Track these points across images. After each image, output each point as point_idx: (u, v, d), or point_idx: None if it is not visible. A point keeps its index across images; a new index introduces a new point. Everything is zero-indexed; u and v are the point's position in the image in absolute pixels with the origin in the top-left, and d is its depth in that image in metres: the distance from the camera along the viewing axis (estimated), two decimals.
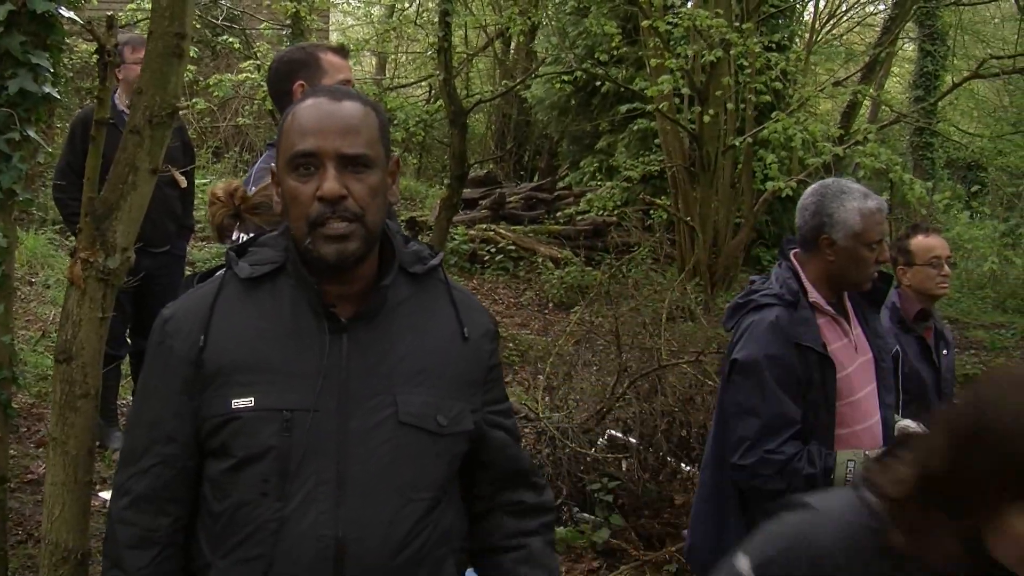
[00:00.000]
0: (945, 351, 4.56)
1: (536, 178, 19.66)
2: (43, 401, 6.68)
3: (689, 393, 6.09)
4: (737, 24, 10.37)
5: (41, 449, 5.92)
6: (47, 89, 3.63)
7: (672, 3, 12.36)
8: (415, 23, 15.57)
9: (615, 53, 12.37)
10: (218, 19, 14.46)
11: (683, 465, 5.94)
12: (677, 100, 12.28)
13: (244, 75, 11.33)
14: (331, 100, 1.99)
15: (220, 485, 1.98)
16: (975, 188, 18.32)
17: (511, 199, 15.52)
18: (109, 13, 3.19)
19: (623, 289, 8.18)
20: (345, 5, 21.30)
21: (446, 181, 10.76)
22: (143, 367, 2.13)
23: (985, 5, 17.92)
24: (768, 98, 10.80)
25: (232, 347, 1.98)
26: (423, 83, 19.11)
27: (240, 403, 1.94)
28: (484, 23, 16.04)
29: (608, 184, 13.16)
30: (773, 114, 10.07)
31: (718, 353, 6.11)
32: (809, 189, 3.37)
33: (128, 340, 6.26)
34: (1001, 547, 1.47)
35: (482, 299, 2.28)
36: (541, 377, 6.97)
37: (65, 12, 3.70)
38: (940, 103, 18.45)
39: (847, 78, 15.69)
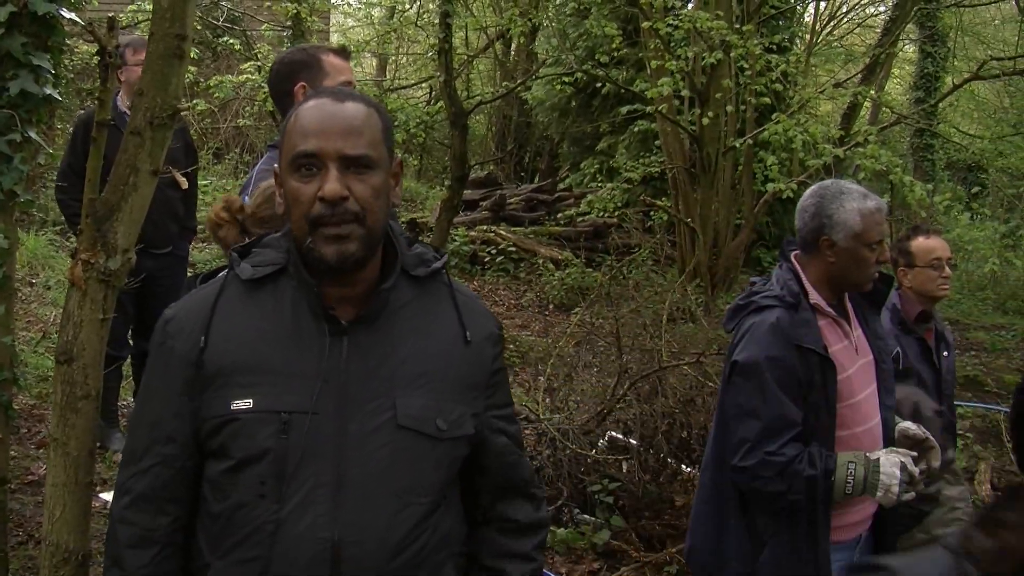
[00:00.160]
0: (946, 352, 4.56)
1: (537, 179, 19.66)
2: (44, 402, 6.68)
3: (690, 394, 6.09)
4: (737, 26, 10.37)
5: (42, 450, 5.92)
6: (48, 90, 3.64)
7: (673, 5, 12.36)
8: (416, 24, 15.57)
9: (615, 55, 12.39)
10: (219, 20, 14.46)
11: (683, 466, 5.94)
12: (677, 102, 12.29)
13: (245, 76, 11.34)
14: (334, 101, 1.98)
15: (219, 486, 1.99)
16: (975, 189, 18.28)
17: (512, 200, 15.53)
18: (110, 14, 3.19)
19: (624, 290, 8.18)
20: (346, 6, 21.35)
21: (447, 182, 10.76)
22: (146, 367, 2.13)
23: (985, 7, 17.91)
24: (768, 100, 10.80)
25: (232, 348, 1.98)
26: (424, 84, 19.12)
27: (239, 404, 1.94)
28: (485, 25, 16.06)
29: (608, 185, 13.19)
30: (773, 116, 10.07)
31: (719, 354, 6.10)
32: (808, 191, 3.37)
33: (130, 341, 6.26)
34: None
35: (483, 300, 2.29)
36: (542, 378, 6.97)
37: (66, 13, 3.70)
38: (941, 104, 18.46)
39: (847, 79, 15.67)
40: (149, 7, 9.75)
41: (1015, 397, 3.84)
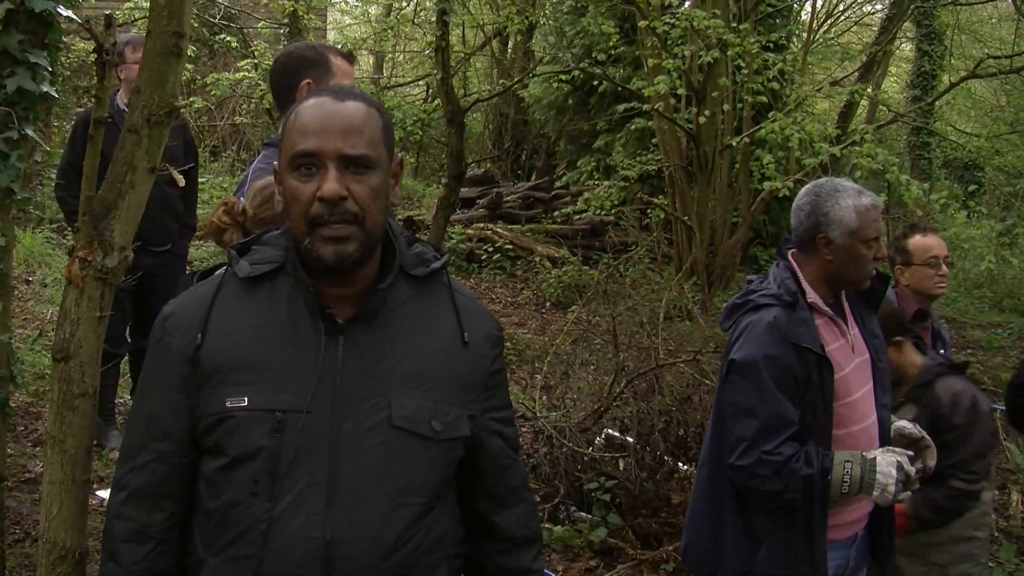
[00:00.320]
0: (942, 350, 4.56)
1: (533, 177, 19.68)
2: (40, 400, 6.68)
3: (686, 392, 6.09)
4: (734, 24, 10.37)
5: (38, 448, 5.92)
6: (45, 88, 3.63)
7: (670, 3, 12.36)
8: (413, 22, 15.55)
9: (612, 52, 12.41)
10: (215, 18, 14.46)
11: (680, 464, 5.95)
12: (674, 100, 12.29)
13: (241, 74, 11.33)
14: (334, 100, 1.98)
15: (214, 483, 1.99)
16: (972, 188, 18.34)
17: (508, 198, 15.53)
18: (107, 12, 3.19)
19: (620, 288, 8.17)
20: (343, 4, 21.29)
21: (443, 180, 10.77)
22: (144, 364, 2.13)
23: (982, 5, 17.93)
24: (765, 99, 10.80)
25: (229, 346, 1.98)
26: (420, 82, 19.16)
27: (234, 402, 1.95)
28: (481, 22, 16.04)
29: (605, 183, 13.17)
30: (770, 114, 10.07)
31: (715, 352, 6.11)
32: (803, 190, 3.37)
33: (128, 339, 6.26)
34: None
35: (478, 297, 2.28)
36: (538, 376, 6.97)
37: (63, 11, 3.70)
38: (937, 103, 18.47)
39: (844, 78, 15.69)
40: (146, 4, 9.73)
41: (1009, 393, 3.88)
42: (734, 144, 11.04)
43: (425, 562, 2.01)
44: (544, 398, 6.63)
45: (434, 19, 9.62)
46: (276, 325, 2.00)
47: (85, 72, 13.87)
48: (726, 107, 11.07)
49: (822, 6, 17.15)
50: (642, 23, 10.87)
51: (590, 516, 5.65)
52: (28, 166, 3.76)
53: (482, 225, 14.32)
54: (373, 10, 20.13)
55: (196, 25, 13.93)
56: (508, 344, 9.27)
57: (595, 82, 13.90)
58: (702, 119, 10.63)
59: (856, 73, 15.43)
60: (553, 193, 16.05)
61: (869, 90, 14.39)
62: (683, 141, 12.20)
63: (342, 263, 1.93)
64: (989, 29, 22.58)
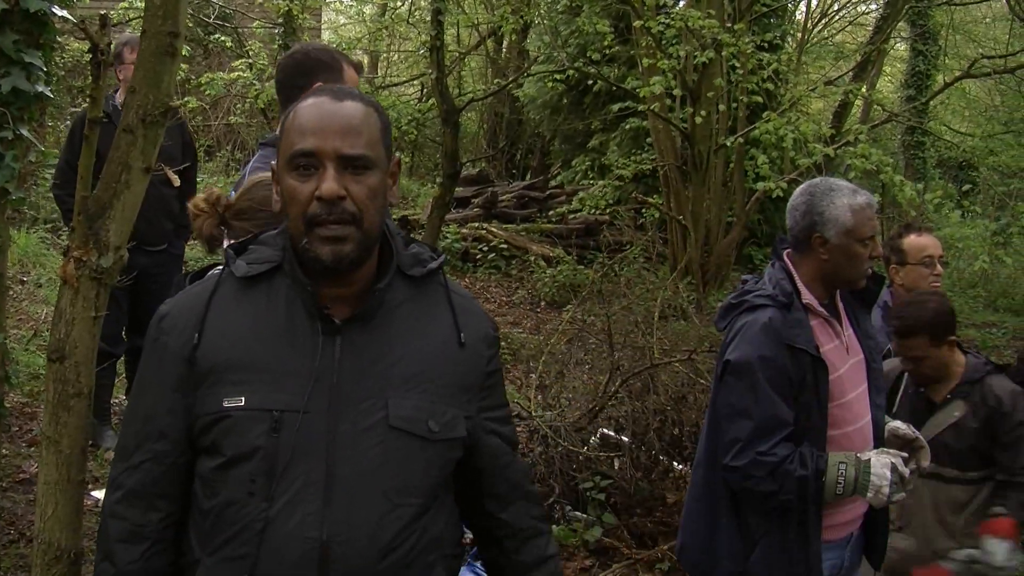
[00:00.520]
0: None
1: (528, 177, 19.67)
2: (35, 400, 6.68)
3: (681, 391, 6.09)
4: (729, 24, 10.38)
5: (33, 448, 5.91)
6: (40, 88, 3.64)
7: (664, 3, 12.36)
8: (407, 22, 15.53)
9: (607, 52, 12.40)
10: (210, 17, 14.43)
11: (675, 463, 5.95)
12: (669, 100, 12.30)
13: (236, 74, 11.32)
14: (333, 100, 1.98)
15: (209, 483, 1.99)
16: (966, 187, 18.31)
17: (503, 198, 15.52)
18: (102, 12, 3.19)
19: (615, 288, 8.17)
20: (337, 3, 21.25)
21: (438, 180, 10.77)
22: (140, 363, 2.13)
23: (976, 5, 17.95)
24: (760, 99, 10.81)
25: (226, 345, 1.98)
26: (415, 82, 19.15)
27: (231, 402, 1.94)
28: (476, 22, 16.06)
29: (600, 183, 13.18)
30: (764, 114, 10.08)
31: (710, 352, 6.11)
32: (798, 190, 3.36)
33: (124, 338, 6.26)
34: None
35: (474, 298, 2.28)
36: (533, 376, 6.98)
37: (58, 10, 3.70)
38: (932, 102, 18.50)
39: (839, 77, 15.70)
40: (140, 4, 9.73)
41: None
42: (728, 144, 11.04)
43: (421, 562, 2.01)
44: (539, 397, 6.63)
45: (429, 18, 9.62)
46: (273, 325, 2.00)
47: (80, 72, 13.86)
48: (721, 107, 11.08)
49: (817, 6, 17.23)
50: (637, 23, 10.88)
51: (585, 515, 5.65)
52: (23, 166, 3.76)
53: (477, 224, 14.32)
54: (368, 10, 20.11)
55: (191, 25, 13.92)
56: (503, 344, 9.26)
57: (590, 81, 13.92)
58: (698, 119, 10.64)
59: (850, 73, 15.44)
60: (548, 192, 16.05)
61: (864, 90, 14.41)
62: (678, 140, 12.21)
63: (340, 263, 1.93)
64: (983, 29, 22.62)
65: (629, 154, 14.28)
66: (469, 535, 2.36)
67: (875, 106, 17.46)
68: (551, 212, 14.53)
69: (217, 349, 1.98)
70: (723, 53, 10.21)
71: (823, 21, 18.14)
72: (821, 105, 19.73)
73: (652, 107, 11.35)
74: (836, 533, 3.28)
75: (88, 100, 2.98)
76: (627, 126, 15.21)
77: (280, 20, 12.08)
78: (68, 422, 2.83)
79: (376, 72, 22.04)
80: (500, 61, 21.42)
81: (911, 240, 4.56)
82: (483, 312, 2.24)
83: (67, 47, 13.34)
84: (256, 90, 10.93)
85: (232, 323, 2.01)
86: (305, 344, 1.98)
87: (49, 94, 3.73)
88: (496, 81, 16.29)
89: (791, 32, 16.57)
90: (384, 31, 16.87)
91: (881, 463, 3.05)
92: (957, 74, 13.33)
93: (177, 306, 2.07)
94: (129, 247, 2.91)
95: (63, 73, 13.48)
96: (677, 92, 11.48)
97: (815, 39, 17.88)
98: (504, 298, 12.52)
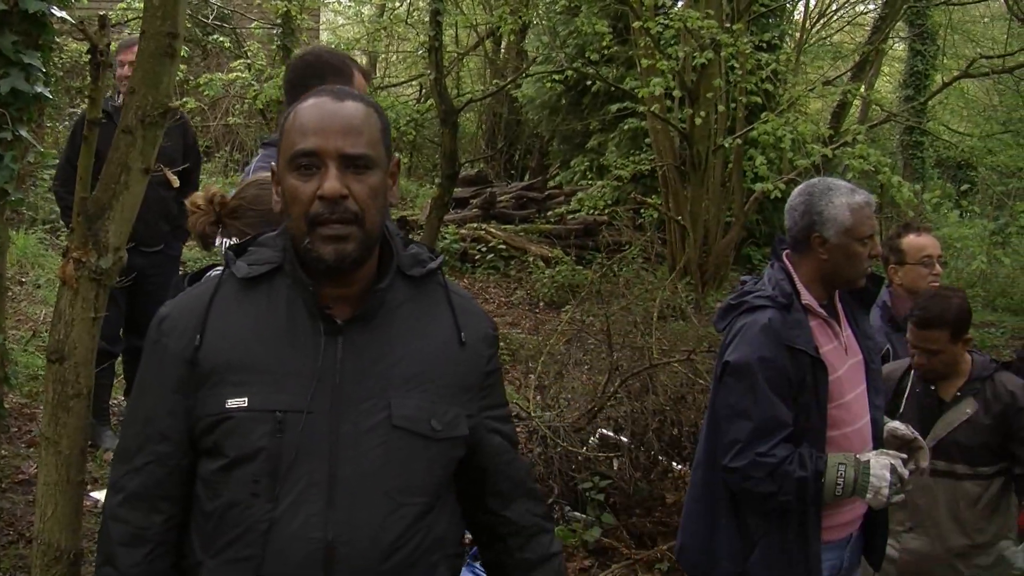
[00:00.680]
0: None
1: (527, 177, 19.68)
2: (34, 401, 6.68)
3: (680, 392, 6.10)
4: (727, 25, 10.38)
5: (32, 449, 5.91)
6: (39, 88, 3.64)
7: (663, 3, 12.37)
8: (406, 22, 15.56)
9: (606, 52, 12.40)
10: (208, 18, 14.44)
11: (674, 464, 5.96)
12: (668, 101, 12.30)
13: (235, 74, 11.32)
14: (333, 100, 1.98)
15: (212, 484, 1.98)
16: (965, 187, 18.33)
17: (502, 198, 15.53)
18: (100, 12, 3.19)
19: (614, 288, 8.18)
20: (335, 4, 21.29)
21: (437, 180, 10.78)
22: (140, 365, 2.12)
23: (975, 5, 17.96)
24: (758, 99, 10.82)
25: (227, 347, 1.98)
26: (414, 82, 19.15)
27: (234, 403, 1.94)
28: (475, 22, 16.07)
29: (599, 183, 13.19)
30: (763, 115, 10.08)
31: (709, 352, 6.12)
32: (796, 190, 3.36)
33: (122, 337, 6.26)
34: None
35: (473, 298, 2.29)
36: (532, 376, 6.97)
37: (56, 11, 3.70)
38: (930, 102, 18.52)
39: (837, 77, 15.71)
40: (138, 5, 9.73)
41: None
42: (727, 145, 11.05)
43: (425, 562, 2.01)
44: (538, 398, 6.63)
45: (427, 19, 9.62)
46: (275, 326, 2.00)
47: (78, 73, 13.85)
48: (720, 107, 11.08)
49: (815, 6, 17.24)
50: (636, 23, 10.88)
51: (584, 516, 5.65)
52: (21, 167, 3.76)
53: (475, 225, 14.32)
54: (366, 10, 20.13)
55: (189, 26, 13.91)
56: (502, 344, 9.25)
57: (588, 82, 13.91)
58: (697, 120, 10.64)
59: (849, 73, 15.45)
60: (546, 193, 16.06)
61: (862, 90, 14.42)
62: (676, 141, 12.21)
63: (342, 262, 1.93)
64: (981, 29, 22.61)
65: (628, 154, 14.29)
66: (468, 536, 2.36)
67: (873, 106, 17.48)
68: (550, 212, 14.55)
69: (218, 350, 1.98)
70: (722, 53, 10.21)
71: (821, 21, 18.15)
72: (819, 105, 19.72)
73: (651, 108, 11.34)
74: (835, 534, 3.28)
75: (87, 101, 2.98)
76: (626, 126, 15.21)
77: (278, 21, 12.09)
78: (67, 423, 2.83)
79: (375, 73, 22.04)
80: (499, 62, 21.43)
81: (910, 240, 4.57)
82: (482, 312, 2.24)
83: (65, 48, 13.32)
84: (254, 91, 10.94)
85: (233, 324, 2.00)
86: (307, 344, 1.98)
87: (48, 95, 3.73)
88: (495, 82, 16.28)
89: (789, 32, 16.58)
90: (382, 32, 16.86)
91: (880, 464, 3.05)
92: (955, 74, 13.36)
93: (177, 308, 2.07)
94: (127, 248, 2.91)
95: (61, 74, 13.48)
96: (676, 93, 11.49)
97: (813, 39, 17.88)
98: (503, 299, 12.52)
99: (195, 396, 1.99)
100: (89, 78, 2.94)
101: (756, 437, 3.07)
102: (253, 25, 13.83)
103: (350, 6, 20.33)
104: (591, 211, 13.15)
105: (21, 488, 5.51)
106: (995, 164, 16.48)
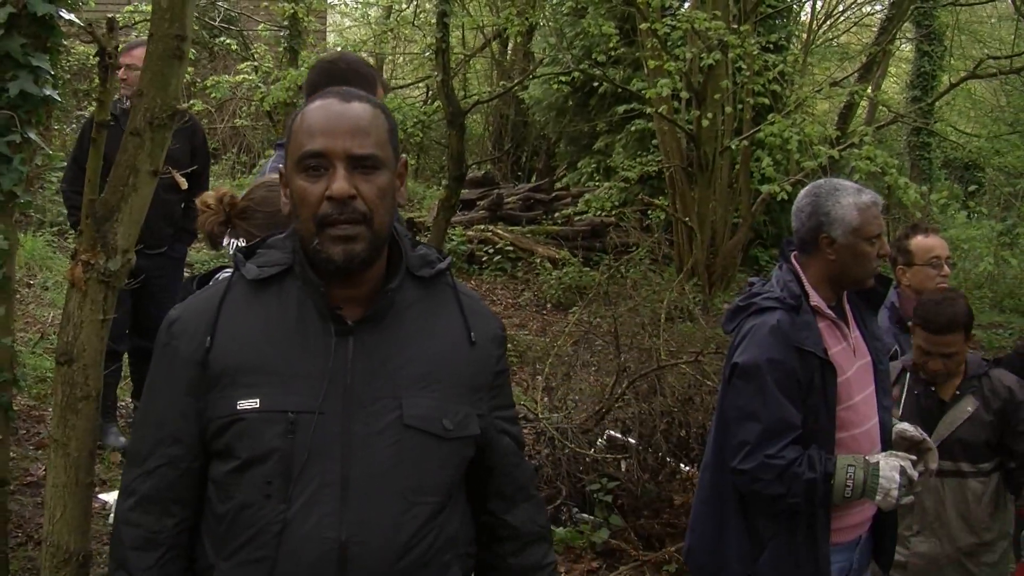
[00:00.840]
0: None
1: (534, 179, 19.68)
2: (42, 403, 6.68)
3: (688, 393, 6.09)
4: (735, 26, 10.37)
5: (41, 451, 5.92)
6: (47, 91, 3.64)
7: (670, 4, 12.36)
8: (412, 24, 15.54)
9: (613, 54, 12.41)
10: (216, 20, 14.45)
11: (682, 465, 5.95)
12: (675, 102, 12.29)
13: (242, 76, 11.33)
14: (341, 101, 1.99)
15: (224, 486, 1.99)
16: (972, 188, 18.33)
17: (509, 200, 15.53)
18: (108, 15, 3.19)
19: (621, 289, 8.17)
20: (342, 6, 21.31)
21: (444, 182, 10.76)
22: (150, 368, 2.13)
23: (982, 5, 17.93)
24: (766, 100, 10.81)
25: (238, 348, 1.98)
26: (421, 84, 19.11)
27: (245, 404, 1.94)
28: (481, 24, 16.03)
29: (606, 184, 13.17)
30: (770, 116, 10.07)
31: (717, 353, 6.11)
32: (803, 191, 3.36)
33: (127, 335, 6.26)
34: None
35: (481, 299, 2.30)
36: (540, 378, 6.97)
37: (64, 14, 3.70)
38: (937, 103, 18.46)
39: (844, 78, 15.69)
40: (146, 8, 9.75)
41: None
42: (734, 147, 11.03)
43: (438, 561, 2.02)
44: (546, 399, 6.63)
45: (434, 21, 9.61)
46: (285, 327, 2.00)
47: (85, 75, 13.87)
48: (727, 108, 11.07)
49: (822, 7, 17.17)
50: (643, 25, 10.87)
51: (592, 517, 5.65)
52: (30, 170, 3.77)
53: (483, 226, 14.32)
54: (373, 12, 20.15)
55: (196, 28, 13.90)
56: (509, 346, 9.24)
57: (595, 83, 13.88)
58: (704, 121, 10.64)
59: (856, 74, 15.42)
60: (553, 194, 16.06)
61: (869, 91, 14.40)
62: (683, 142, 12.20)
63: (351, 262, 1.93)
64: (989, 29, 22.58)
65: (635, 156, 14.27)
66: None
67: (880, 107, 17.47)
68: (557, 214, 14.54)
69: (229, 352, 1.98)
70: (729, 55, 10.20)
71: (828, 22, 18.10)
72: (826, 106, 19.70)
73: (658, 109, 11.33)
74: (845, 536, 3.28)
75: (95, 103, 2.98)
76: (633, 128, 15.20)
77: (285, 23, 12.09)
78: (76, 425, 2.84)
79: (381, 74, 22.04)
80: (505, 63, 21.41)
81: (918, 241, 4.56)
82: (491, 313, 2.25)
83: (72, 50, 13.35)
84: (261, 93, 10.93)
85: (244, 326, 2.01)
86: (317, 345, 1.98)
87: (56, 97, 3.73)
88: (502, 83, 16.30)
89: (796, 33, 16.55)
90: (389, 33, 16.88)
91: (890, 466, 3.05)
92: (963, 75, 13.31)
93: (188, 310, 2.07)
94: None
95: (69, 76, 13.50)
96: (683, 94, 11.48)
97: (820, 40, 17.84)
98: (510, 300, 12.52)
99: (206, 398, 1.99)
100: (97, 80, 2.95)
101: (765, 439, 3.07)
102: (260, 27, 13.84)
103: (357, 8, 20.38)
104: (598, 212, 13.13)
105: (30, 490, 5.52)
106: (1003, 165, 16.43)
